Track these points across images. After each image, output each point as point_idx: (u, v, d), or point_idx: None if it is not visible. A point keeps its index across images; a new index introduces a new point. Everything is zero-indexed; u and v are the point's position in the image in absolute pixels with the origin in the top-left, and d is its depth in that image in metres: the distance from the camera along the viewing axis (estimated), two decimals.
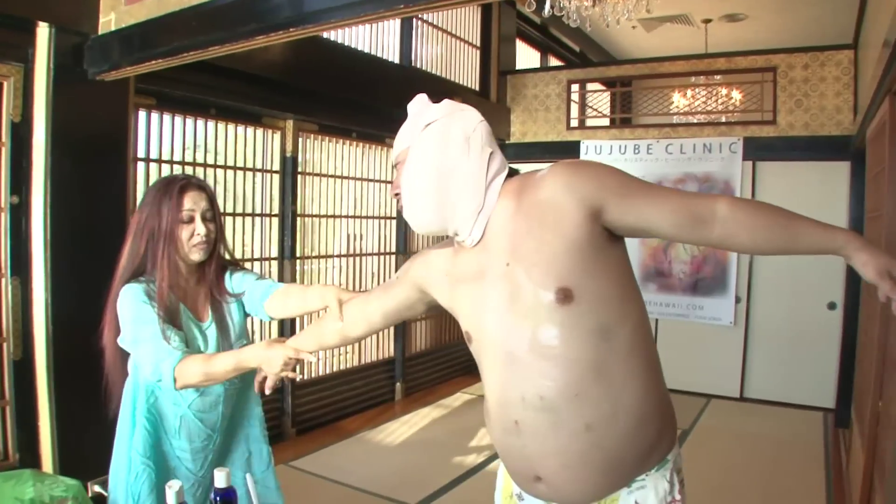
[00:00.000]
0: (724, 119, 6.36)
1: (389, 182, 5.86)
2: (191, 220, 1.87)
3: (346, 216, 5.43)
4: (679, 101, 7.12)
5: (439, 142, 1.41)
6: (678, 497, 1.42)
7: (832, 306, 5.52)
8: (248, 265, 4.54)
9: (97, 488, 2.14)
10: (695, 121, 6.73)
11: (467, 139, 1.41)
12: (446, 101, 1.47)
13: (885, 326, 3.23)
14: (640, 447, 1.36)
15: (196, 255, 1.90)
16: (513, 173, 1.46)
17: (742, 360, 5.91)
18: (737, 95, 6.63)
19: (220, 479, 1.49)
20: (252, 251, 4.64)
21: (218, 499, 1.47)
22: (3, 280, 2.97)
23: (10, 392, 2.99)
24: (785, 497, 3.89)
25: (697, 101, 6.92)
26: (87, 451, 2.44)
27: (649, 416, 1.36)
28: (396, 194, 1.47)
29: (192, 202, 1.87)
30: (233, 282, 2.05)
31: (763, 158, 5.75)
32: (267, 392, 1.81)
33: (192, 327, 1.93)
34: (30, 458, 2.98)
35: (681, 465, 1.46)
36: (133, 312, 1.81)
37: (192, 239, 1.88)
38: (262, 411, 2.16)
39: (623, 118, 7.13)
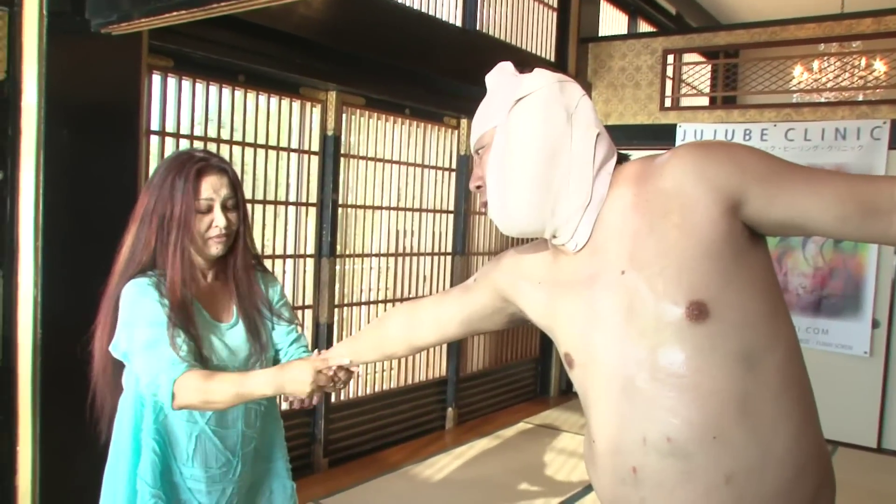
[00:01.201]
0: (862, 97, 6.16)
1: (449, 169, 5.90)
2: (209, 209, 1.89)
3: (396, 208, 5.46)
4: (802, 75, 6.93)
5: (535, 121, 1.37)
6: None
7: (876, 325, 5.45)
8: (279, 262, 4.63)
9: None
10: (823, 100, 6.59)
11: (570, 117, 1.38)
12: (539, 71, 1.42)
13: None
14: None
15: (214, 250, 1.91)
16: (622, 159, 1.43)
17: (881, 400, 5.73)
18: (880, 67, 6.38)
19: None
20: (284, 247, 4.65)
21: None
22: None
23: None
24: None
25: (827, 74, 6.70)
26: (74, 483, 2.51)
27: (804, 467, 1.29)
28: (479, 186, 1.45)
29: (211, 188, 1.88)
30: (268, 295, 2.10)
31: None
32: (299, 406, 1.90)
33: (209, 331, 1.94)
34: (2, 491, 3.02)
35: None
36: (138, 312, 1.82)
37: (210, 231, 1.89)
38: (285, 442, 2.19)
39: (729, 97, 7.01)
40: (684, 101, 6.76)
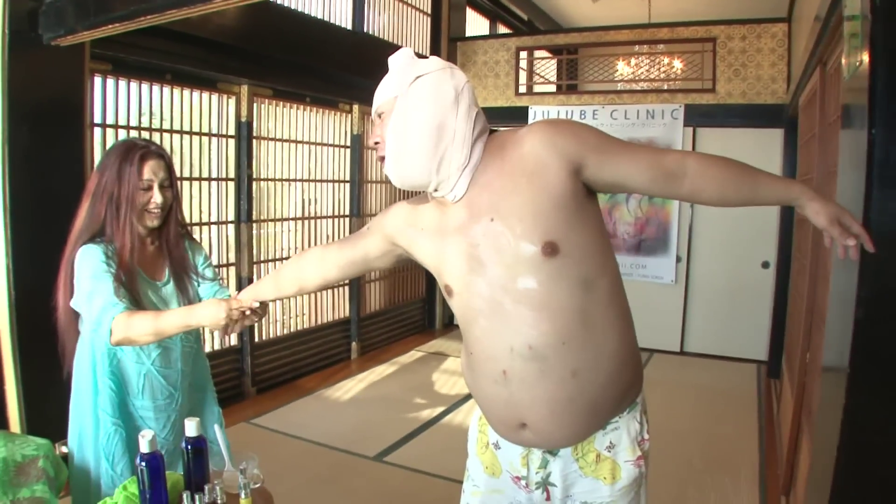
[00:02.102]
0: (665, 87, 6.49)
1: (344, 146, 5.88)
2: (149, 188, 1.89)
3: (301, 180, 5.43)
4: (623, 69, 7.25)
5: (431, 95, 1.39)
6: (646, 436, 1.48)
7: (766, 265, 5.76)
8: (205, 229, 4.57)
9: (64, 449, 2.14)
10: (638, 88, 6.85)
11: (458, 96, 1.40)
12: (435, 58, 1.46)
13: (814, 283, 3.42)
14: (618, 391, 1.41)
15: (151, 222, 1.92)
16: (492, 132, 1.46)
17: (682, 316, 6.15)
18: (678, 64, 6.75)
19: (190, 428, 1.54)
20: (209, 215, 4.62)
21: (189, 448, 1.53)
22: None
23: None
24: (721, 440, 4.13)
25: (641, 69, 7.03)
26: (51, 412, 2.48)
27: (626, 361, 1.41)
28: (377, 143, 1.44)
29: (151, 171, 1.88)
30: (194, 259, 2.08)
31: (702, 125, 5.93)
32: (221, 336, 1.85)
33: (147, 288, 1.95)
34: None
35: (646, 407, 1.53)
36: (90, 269, 1.82)
37: (149, 205, 1.90)
38: (217, 375, 2.19)
39: (569, 85, 7.19)
40: (537, 88, 6.90)
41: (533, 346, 1.34)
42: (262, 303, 1.79)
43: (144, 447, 1.48)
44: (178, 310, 1.83)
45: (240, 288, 4.71)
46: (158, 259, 2.01)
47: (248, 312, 1.77)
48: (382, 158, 1.43)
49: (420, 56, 1.47)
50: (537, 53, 7.05)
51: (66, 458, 2.10)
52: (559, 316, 1.33)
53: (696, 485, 3.51)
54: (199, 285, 2.07)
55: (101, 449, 1.92)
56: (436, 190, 1.44)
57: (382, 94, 1.43)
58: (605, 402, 1.40)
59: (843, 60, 1.82)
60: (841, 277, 1.96)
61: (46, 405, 2.93)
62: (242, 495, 1.48)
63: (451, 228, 1.44)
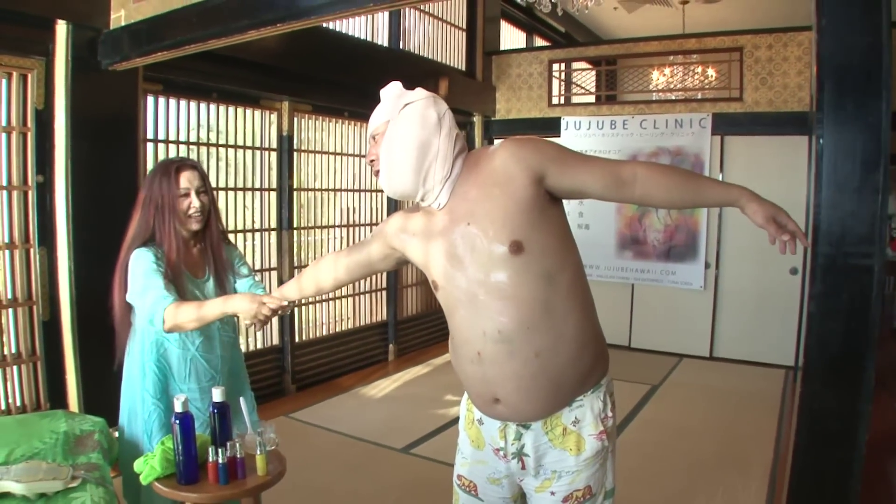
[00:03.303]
0: (699, 96, 6.53)
1: None
2: (187, 194, 2.11)
3: (341, 189, 5.62)
4: (658, 78, 7.33)
5: (418, 119, 1.56)
6: (610, 414, 1.63)
7: (794, 271, 5.77)
8: (249, 235, 4.81)
9: (115, 433, 2.42)
10: (672, 97, 6.91)
11: (440, 119, 1.57)
12: (420, 89, 1.64)
13: None
14: (579, 371, 1.56)
15: (194, 225, 2.15)
16: (472, 149, 1.68)
17: (711, 321, 6.19)
18: (712, 74, 6.82)
19: (217, 394, 1.82)
20: (253, 223, 4.86)
21: (216, 411, 1.81)
22: (32, 250, 3.27)
23: (40, 349, 3.29)
24: (738, 440, 4.22)
25: (675, 78, 7.11)
26: (106, 397, 2.72)
27: (585, 345, 1.56)
28: (372, 161, 1.62)
29: (186, 180, 2.12)
30: (230, 259, 2.31)
31: (730, 133, 5.97)
32: (256, 330, 2.04)
33: (191, 285, 2.18)
34: (59, 405, 3.29)
35: (612, 390, 1.67)
36: (143, 269, 2.06)
37: (189, 210, 2.12)
38: (245, 366, 2.46)
39: (608, 95, 7.26)
40: (575, 99, 6.97)
41: (502, 331, 1.50)
42: (289, 301, 1.99)
43: (178, 408, 1.77)
44: (217, 299, 2.05)
45: (280, 279, 4.91)
46: (201, 259, 2.24)
47: (276, 308, 1.98)
48: (377, 173, 1.62)
49: (410, 87, 1.67)
50: (576, 65, 7.16)
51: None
52: (524, 305, 1.49)
53: (705, 479, 3.63)
54: (235, 282, 2.30)
55: (143, 425, 2.16)
56: (422, 199, 1.61)
57: (376, 119, 1.62)
58: (566, 381, 1.55)
59: None
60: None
61: (100, 391, 3.20)
62: (258, 451, 1.74)
63: (436, 232, 1.61)
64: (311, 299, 5.30)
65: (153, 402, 2.14)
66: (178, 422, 1.77)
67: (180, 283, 2.12)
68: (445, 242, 1.58)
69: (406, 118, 1.57)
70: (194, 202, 2.13)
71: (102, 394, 3.02)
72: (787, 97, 5.70)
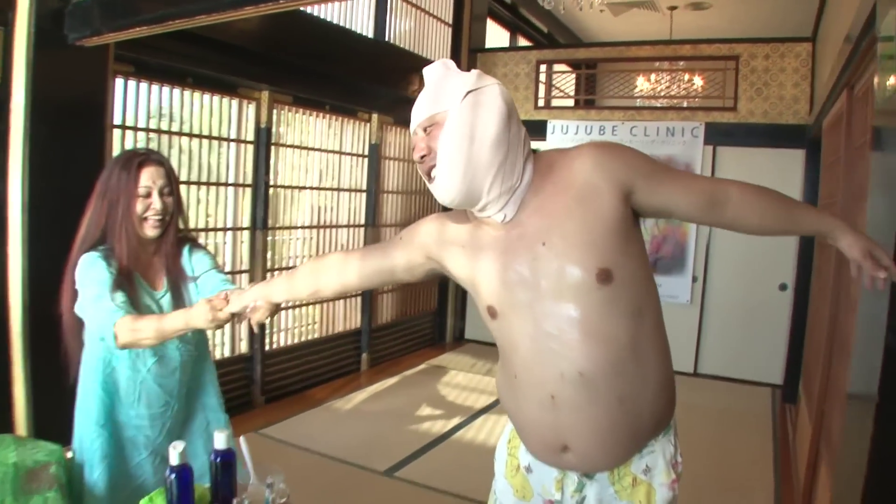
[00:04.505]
0: (685, 104, 6.45)
1: (362, 155, 5.86)
2: (147, 194, 1.89)
3: (318, 188, 5.43)
4: (643, 84, 7.19)
5: (487, 109, 1.35)
6: (679, 459, 1.50)
7: (783, 287, 5.69)
8: (220, 234, 4.55)
9: (69, 454, 2.12)
10: (658, 105, 6.81)
11: (510, 112, 1.38)
12: (477, 71, 1.42)
13: (835, 307, 3.37)
14: (657, 415, 1.44)
15: (149, 230, 1.92)
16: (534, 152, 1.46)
17: (697, 337, 6.07)
18: (698, 81, 6.76)
19: (220, 440, 1.51)
20: (225, 220, 4.61)
21: (218, 460, 1.49)
22: None
23: None
24: (735, 464, 4.07)
25: (660, 85, 6.99)
26: (61, 416, 2.39)
27: (665, 387, 1.43)
28: (423, 157, 1.39)
29: (149, 178, 1.89)
30: (192, 261, 2.06)
31: (723, 143, 5.88)
32: (255, 329, 1.81)
33: (145, 296, 1.96)
34: (3, 421, 2.97)
35: (678, 429, 1.55)
36: (93, 277, 1.83)
37: (147, 212, 1.90)
38: (218, 382, 2.19)
39: (587, 100, 7.16)
40: (555, 103, 6.88)
41: (584, 373, 1.35)
42: (274, 303, 1.75)
43: (174, 459, 1.46)
44: (179, 311, 1.82)
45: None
46: (158, 269, 2.02)
47: (238, 313, 1.75)
48: (429, 173, 1.39)
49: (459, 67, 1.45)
50: (556, 67, 7.04)
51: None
52: (611, 344, 1.34)
53: None
54: (197, 288, 2.05)
55: (85, 453, 1.94)
56: (482, 210, 1.41)
57: (430, 105, 1.39)
58: (645, 428, 1.43)
59: (875, 81, 1.78)
60: (869, 304, 1.92)
61: (56, 410, 2.80)
62: None
63: (494, 249, 1.43)
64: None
65: (96, 429, 1.93)
66: (174, 476, 1.44)
67: (134, 295, 1.90)
68: (507, 262, 1.41)
69: (473, 108, 1.35)
70: (155, 204, 1.89)
71: (57, 413, 2.65)
72: (783, 109, 5.62)
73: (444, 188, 1.38)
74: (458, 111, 1.35)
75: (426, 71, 1.44)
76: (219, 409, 2.16)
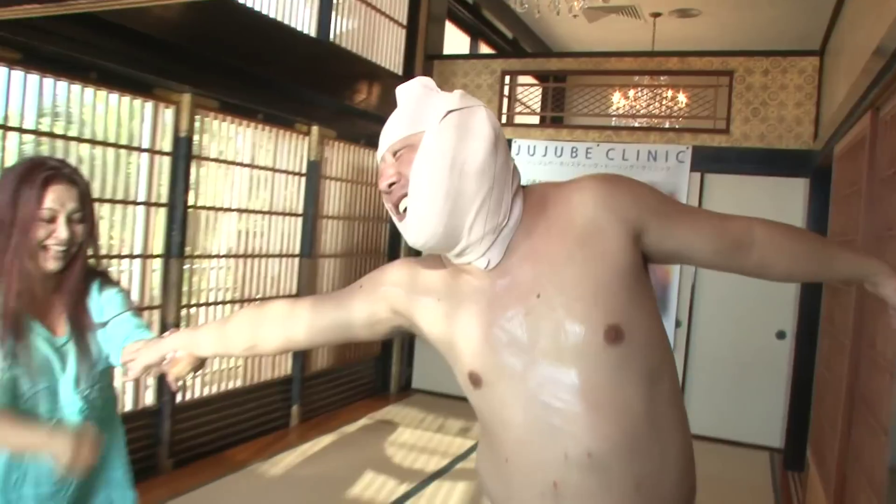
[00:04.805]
0: (667, 124, 6.52)
1: (298, 173, 5.76)
2: (52, 219, 1.75)
3: (247, 210, 5.30)
4: (620, 101, 7.29)
5: (469, 133, 1.31)
6: None
7: (781, 335, 5.70)
8: (126, 262, 4.39)
9: None
10: (636, 124, 6.88)
11: (497, 139, 1.33)
12: (460, 91, 1.39)
13: (855, 363, 3.31)
14: (679, 501, 1.37)
15: (50, 264, 1.77)
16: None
17: (682, 387, 5.96)
18: (682, 99, 6.84)
19: None
20: (132, 246, 4.42)
21: None
22: None
23: None
24: None
25: (639, 102, 7.08)
26: None
27: (688, 468, 1.37)
28: (391, 186, 1.33)
29: (56, 199, 1.74)
30: (102, 300, 1.93)
31: (712, 170, 5.91)
32: (173, 386, 1.76)
33: (42, 345, 1.81)
34: None
35: None
36: None
37: (49, 240, 1.75)
38: (127, 450, 2.05)
39: (554, 116, 7.20)
40: (518, 119, 6.89)
41: (593, 454, 1.26)
42: (199, 357, 1.71)
43: None
44: (38, 429, 1.71)
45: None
46: (60, 310, 1.88)
47: (165, 362, 1.71)
48: (397, 205, 1.34)
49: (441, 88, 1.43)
50: (521, 79, 7.07)
51: None
52: (624, 416, 1.27)
53: None
54: (106, 333, 1.92)
55: None
56: (461, 254, 1.34)
57: (403, 126, 1.35)
58: None
59: None
60: None
61: None
62: None
63: (477, 302, 1.36)
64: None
65: None
66: None
67: (24, 343, 1.75)
68: (493, 319, 1.34)
69: (455, 129, 1.31)
70: (60, 231, 1.75)
71: None
72: (783, 132, 5.67)
73: (416, 224, 1.31)
74: (436, 132, 1.31)
75: (400, 90, 1.41)
76: (126, 486, 2.01)
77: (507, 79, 6.79)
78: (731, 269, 1.40)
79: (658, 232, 1.32)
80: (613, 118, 7.12)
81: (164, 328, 4.48)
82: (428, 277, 1.46)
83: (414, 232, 1.32)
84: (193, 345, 1.69)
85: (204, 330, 1.73)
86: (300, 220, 5.80)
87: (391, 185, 1.33)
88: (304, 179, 5.79)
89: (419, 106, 1.36)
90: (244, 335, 1.67)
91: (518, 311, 1.31)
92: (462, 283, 1.39)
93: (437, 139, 1.30)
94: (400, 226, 1.35)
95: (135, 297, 4.42)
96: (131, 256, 4.40)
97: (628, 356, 1.27)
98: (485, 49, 8.68)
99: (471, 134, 1.31)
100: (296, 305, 1.63)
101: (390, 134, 1.36)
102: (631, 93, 7.16)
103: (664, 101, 6.93)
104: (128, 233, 4.35)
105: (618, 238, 1.28)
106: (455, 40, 8.10)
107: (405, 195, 1.31)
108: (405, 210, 1.32)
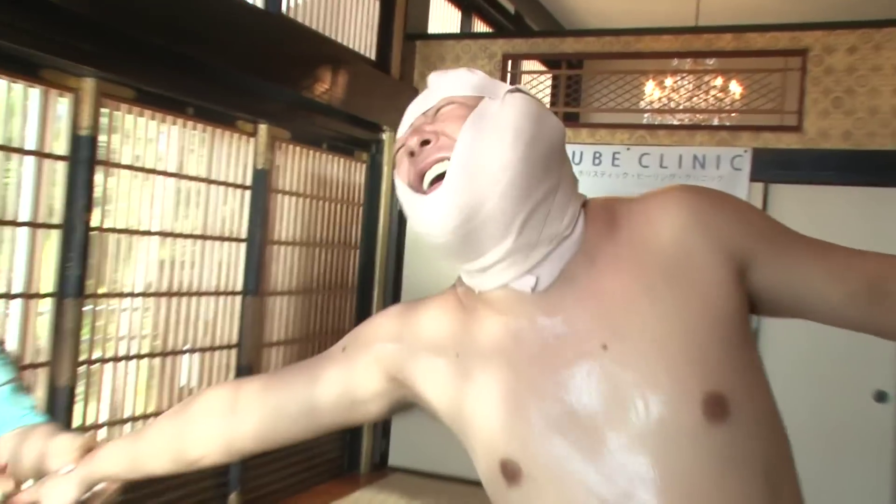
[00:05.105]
0: (717, 121, 6.49)
1: (242, 186, 5.72)
2: None
3: (171, 234, 5.27)
4: (653, 92, 7.30)
5: (539, 118, 1.25)
6: None
7: (882, 397, 5.67)
8: (2, 304, 4.26)
9: None
10: (676, 122, 6.93)
11: (563, 137, 1.31)
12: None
13: None
14: None
15: None
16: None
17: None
18: (736, 88, 6.80)
19: None
20: (10, 281, 4.28)
21: None
22: None
23: None
24: None
25: (680, 93, 7.07)
26: None
27: None
28: (425, 143, 1.24)
29: None
30: None
31: (779, 179, 5.87)
32: None
33: None
34: None
35: None
36: None
37: None
38: None
39: (568, 112, 7.25)
40: None
41: None
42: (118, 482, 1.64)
43: None
44: None
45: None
46: None
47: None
48: (421, 175, 1.24)
49: None
50: (526, 65, 7.15)
51: None
52: None
53: None
54: None
55: None
56: (494, 265, 1.23)
57: (448, 88, 1.29)
58: None
59: None
60: None
61: None
62: None
63: (511, 358, 1.27)
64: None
65: None
66: None
67: None
68: (537, 381, 1.24)
69: (524, 104, 1.26)
70: None
71: None
72: (877, 127, 5.63)
73: (452, 197, 1.21)
74: (501, 100, 1.26)
75: (434, 75, 1.36)
76: None
77: (509, 64, 6.85)
78: (867, 324, 1.26)
79: (771, 266, 1.24)
80: (646, 114, 7.16)
81: (53, 393, 4.37)
82: (435, 325, 1.37)
83: (446, 207, 1.20)
84: (92, 473, 1.58)
85: (109, 450, 1.63)
86: (243, 246, 5.77)
87: (424, 143, 1.23)
88: (248, 193, 5.77)
89: (472, 76, 1.32)
90: (167, 445, 1.58)
91: (573, 371, 1.21)
92: (487, 329, 1.29)
93: (501, 106, 1.24)
94: (419, 204, 1.23)
95: (11, 348, 4.27)
96: (8, 296, 4.25)
97: (737, 440, 1.17)
98: (481, 27, 8.84)
99: (541, 116, 1.26)
100: (240, 389, 1.54)
101: (425, 101, 1.30)
102: (669, 81, 7.14)
103: (712, 92, 6.90)
104: (4, 261, 4.25)
105: (715, 271, 1.21)
106: (443, 15, 8.27)
107: (441, 160, 1.21)
108: (435, 180, 1.21)
